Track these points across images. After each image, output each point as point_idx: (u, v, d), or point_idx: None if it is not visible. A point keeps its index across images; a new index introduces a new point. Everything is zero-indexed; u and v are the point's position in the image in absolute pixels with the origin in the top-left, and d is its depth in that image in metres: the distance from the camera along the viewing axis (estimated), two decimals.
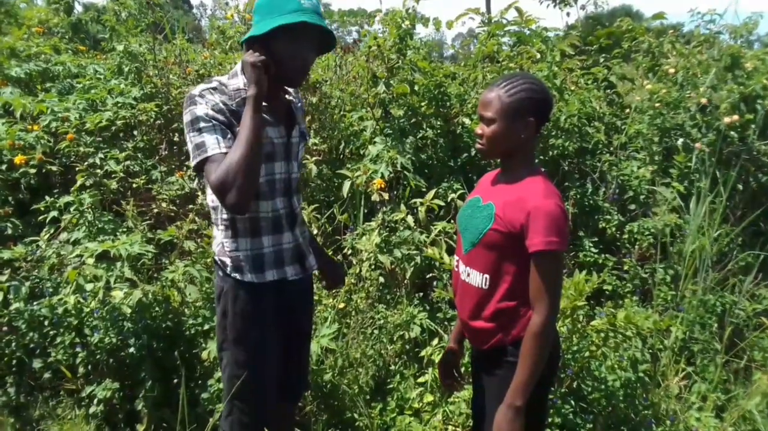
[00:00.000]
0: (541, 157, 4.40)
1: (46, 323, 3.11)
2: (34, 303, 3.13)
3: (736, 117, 4.50)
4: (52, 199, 3.58)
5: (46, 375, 3.15)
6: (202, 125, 1.81)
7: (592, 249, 4.09)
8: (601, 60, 5.47)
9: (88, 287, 3.05)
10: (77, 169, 3.79)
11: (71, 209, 3.47)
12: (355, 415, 3.07)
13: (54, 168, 3.97)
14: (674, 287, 3.93)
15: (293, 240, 2.10)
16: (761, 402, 3.24)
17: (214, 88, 1.89)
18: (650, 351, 3.42)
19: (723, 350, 3.54)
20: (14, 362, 3.16)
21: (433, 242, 3.56)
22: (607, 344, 3.09)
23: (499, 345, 1.86)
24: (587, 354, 3.03)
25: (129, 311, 2.97)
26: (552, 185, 1.82)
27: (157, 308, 3.14)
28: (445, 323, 3.44)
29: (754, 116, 4.65)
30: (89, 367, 3.07)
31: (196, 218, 3.74)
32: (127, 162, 4.10)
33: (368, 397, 3.18)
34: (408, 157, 3.90)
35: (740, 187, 4.54)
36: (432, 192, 3.69)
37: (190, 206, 3.93)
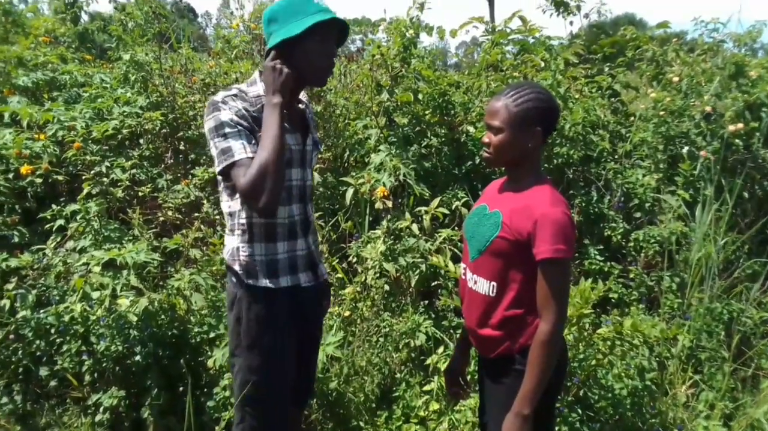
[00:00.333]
0: (546, 165, 4.40)
1: (52, 331, 3.12)
2: (41, 311, 3.14)
3: (740, 125, 4.50)
4: (59, 207, 3.59)
5: (53, 383, 3.15)
6: (227, 130, 1.84)
7: (598, 257, 4.08)
8: (606, 68, 5.47)
9: (95, 295, 3.06)
10: (83, 177, 3.81)
11: (77, 217, 3.49)
12: (361, 423, 3.06)
13: (60, 177, 3.99)
14: (681, 295, 3.92)
15: (306, 247, 2.11)
16: None
17: (235, 95, 1.91)
18: (657, 359, 3.40)
19: (730, 358, 3.52)
20: (21, 370, 3.17)
21: (438, 250, 3.56)
22: (613, 352, 3.08)
23: (506, 353, 1.86)
24: (594, 362, 3.02)
25: (135, 319, 2.97)
26: (558, 194, 1.83)
27: (162, 317, 3.14)
28: (451, 331, 3.43)
29: (758, 123, 4.64)
30: (95, 375, 3.08)
31: (202, 227, 3.75)
32: (133, 171, 4.12)
33: (374, 405, 3.18)
34: (411, 166, 3.90)
35: (746, 195, 4.53)
36: (437, 200, 3.69)
37: (196, 215, 3.94)
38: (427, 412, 3.08)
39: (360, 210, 4.00)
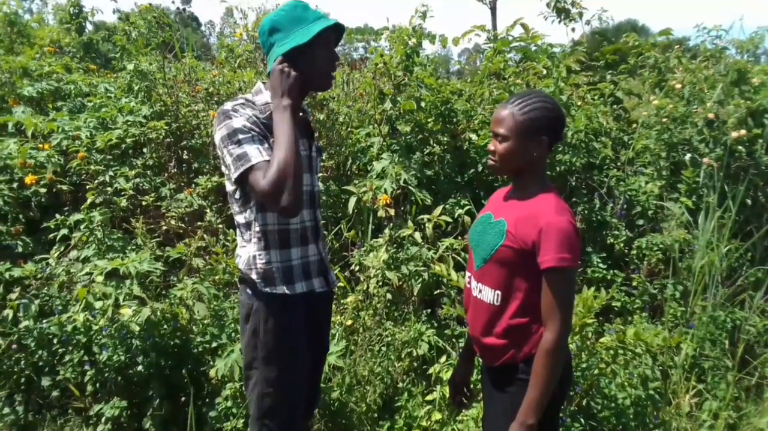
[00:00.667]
0: (549, 172, 4.39)
1: (54, 341, 3.13)
2: (44, 321, 3.15)
3: (743, 132, 4.50)
4: (63, 217, 3.61)
5: (55, 393, 3.15)
6: (240, 136, 1.85)
7: (601, 265, 4.07)
8: (608, 76, 5.48)
9: (97, 305, 3.07)
10: (87, 187, 3.82)
11: (81, 226, 3.50)
12: None
13: (64, 187, 4.01)
14: (684, 303, 3.91)
15: (318, 253, 2.13)
16: None
17: (243, 104, 1.94)
18: (660, 368, 3.39)
19: (734, 367, 3.50)
20: (23, 380, 3.17)
21: (440, 258, 3.56)
22: (616, 361, 3.07)
23: (511, 362, 1.86)
24: (597, 371, 3.01)
25: (137, 329, 2.98)
26: (564, 202, 1.83)
27: (165, 326, 3.15)
28: (453, 340, 3.42)
29: (761, 130, 4.64)
30: (97, 385, 3.08)
31: (205, 236, 3.76)
32: (137, 180, 4.14)
33: (376, 415, 3.17)
34: (413, 173, 3.91)
35: (749, 202, 4.51)
36: (439, 208, 3.69)
37: (199, 224, 3.95)
38: (429, 422, 3.07)
39: (362, 218, 4.01)
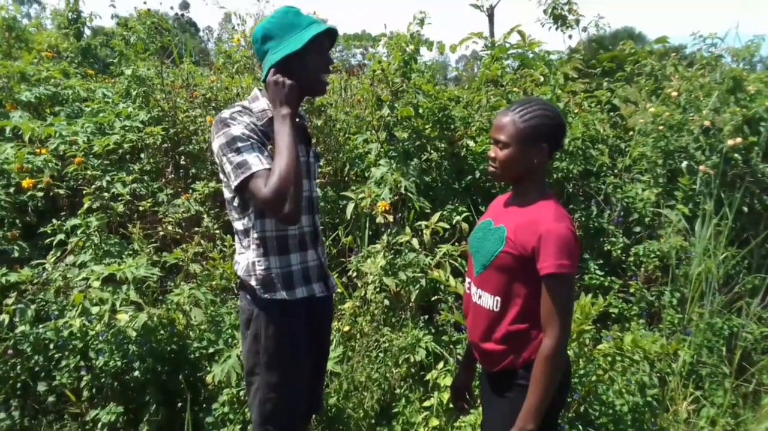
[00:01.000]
0: (546, 179, 4.41)
1: (51, 346, 3.11)
2: (40, 326, 3.13)
3: (739, 140, 4.51)
4: (59, 222, 3.59)
5: (51, 399, 3.14)
6: (239, 144, 1.85)
7: (598, 272, 4.08)
8: (605, 83, 5.50)
9: (94, 310, 3.05)
10: (84, 192, 3.82)
11: (78, 231, 3.49)
12: None
13: (61, 191, 4.00)
14: (681, 310, 3.91)
15: (317, 258, 2.14)
16: None
17: (241, 111, 1.94)
18: (658, 375, 3.39)
19: (731, 374, 3.50)
20: (19, 385, 3.15)
21: (438, 264, 3.56)
22: (614, 368, 3.07)
23: (510, 368, 1.86)
24: (594, 378, 3.01)
25: (134, 334, 2.97)
26: (563, 209, 1.84)
27: (162, 332, 3.14)
28: (451, 346, 3.42)
29: (757, 138, 4.66)
30: (94, 391, 3.06)
31: (202, 241, 3.75)
32: (134, 185, 4.13)
33: (373, 421, 3.16)
34: (412, 179, 3.91)
35: (745, 209, 4.53)
36: (437, 215, 3.70)
37: (196, 229, 3.95)
38: (426, 428, 3.06)
39: (360, 224, 4.01)
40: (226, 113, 1.92)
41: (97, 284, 3.03)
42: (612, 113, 5.27)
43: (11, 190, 3.89)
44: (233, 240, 2.15)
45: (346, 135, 4.70)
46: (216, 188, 4.13)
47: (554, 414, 1.94)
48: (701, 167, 4.46)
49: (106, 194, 3.98)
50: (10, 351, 3.11)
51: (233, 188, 1.88)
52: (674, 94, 5.00)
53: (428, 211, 3.88)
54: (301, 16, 1.96)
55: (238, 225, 2.02)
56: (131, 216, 4.12)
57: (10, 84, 4.86)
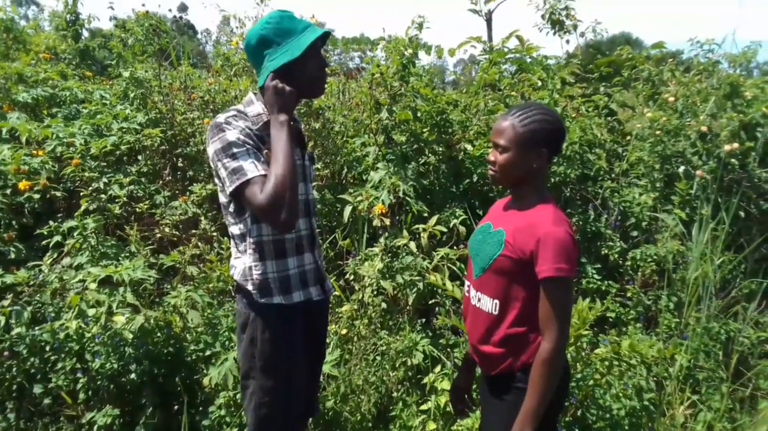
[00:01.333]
0: (545, 184, 4.41)
1: (47, 348, 3.09)
2: (36, 328, 3.12)
3: (736, 145, 4.53)
4: (56, 224, 3.59)
5: (47, 401, 3.12)
6: (235, 150, 1.84)
7: (595, 276, 4.08)
8: (602, 88, 5.52)
9: (90, 312, 3.04)
10: (81, 194, 3.81)
11: (75, 233, 3.48)
12: None
13: (58, 193, 3.99)
14: (678, 314, 3.92)
15: (314, 261, 2.13)
16: None
17: (236, 116, 1.93)
18: (655, 379, 3.39)
19: (728, 378, 3.50)
20: (15, 387, 3.13)
21: (435, 268, 3.56)
22: (611, 372, 3.07)
23: (508, 371, 1.86)
24: (591, 382, 3.01)
25: (131, 336, 2.96)
26: (562, 213, 1.84)
27: (158, 334, 3.13)
28: (448, 349, 3.41)
29: (754, 143, 4.68)
30: (90, 393, 3.05)
31: (199, 243, 3.75)
32: (131, 187, 4.12)
33: (370, 425, 3.15)
34: (410, 183, 3.91)
35: (742, 214, 4.54)
36: (434, 218, 3.69)
37: (193, 231, 3.94)
38: None
39: (358, 227, 4.00)
40: (221, 118, 1.91)
41: (93, 286, 3.02)
42: (609, 118, 5.30)
43: (8, 191, 3.87)
44: (230, 244, 2.14)
45: (344, 138, 4.70)
46: (213, 190, 4.13)
47: (552, 418, 1.94)
48: (698, 172, 4.47)
49: (103, 195, 3.97)
50: (5, 353, 3.09)
51: (228, 193, 1.87)
52: (671, 99, 5.02)
53: (426, 214, 3.88)
54: (295, 21, 1.95)
55: (235, 230, 2.01)
56: (128, 218, 4.11)
57: (8, 85, 4.85)
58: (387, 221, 3.70)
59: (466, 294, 2.02)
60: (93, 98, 4.95)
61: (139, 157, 4.52)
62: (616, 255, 4.26)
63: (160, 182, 4.49)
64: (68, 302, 3.12)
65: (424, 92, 4.33)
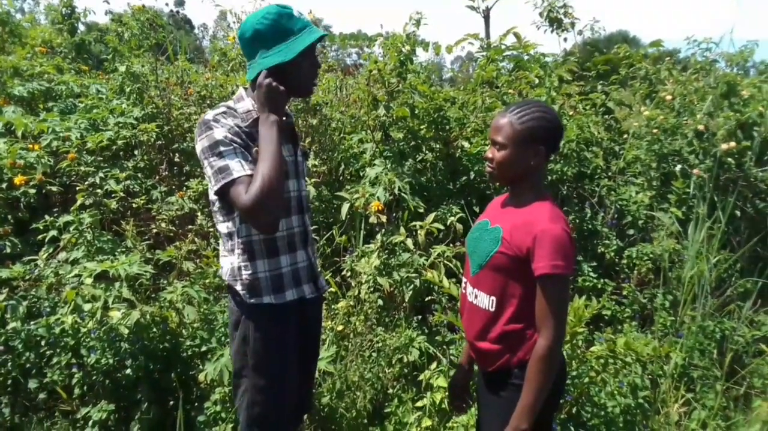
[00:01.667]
0: (542, 181, 4.41)
1: (42, 343, 3.09)
2: (31, 323, 3.11)
3: (732, 144, 4.54)
4: (52, 218, 3.57)
5: (42, 396, 3.12)
6: (222, 148, 1.82)
7: (591, 274, 4.09)
8: (599, 86, 5.52)
9: (86, 307, 3.03)
10: (77, 188, 3.79)
11: (71, 228, 3.47)
12: None
13: (54, 188, 3.98)
14: (673, 312, 3.93)
15: (307, 258, 2.11)
16: (761, 430, 3.21)
17: (225, 113, 1.90)
18: (650, 377, 3.40)
19: (723, 376, 3.52)
20: (9, 382, 3.13)
21: (432, 265, 3.56)
22: (606, 370, 3.08)
23: (505, 367, 1.87)
24: (587, 379, 3.01)
25: (126, 331, 2.95)
26: (559, 210, 1.84)
27: (154, 329, 3.12)
28: (444, 346, 3.42)
29: (750, 142, 4.68)
30: (85, 388, 3.04)
31: (196, 239, 3.74)
32: (128, 182, 4.11)
33: (366, 421, 3.16)
34: (407, 180, 3.91)
35: (738, 213, 4.56)
36: (431, 216, 3.69)
37: (190, 227, 3.93)
38: (419, 428, 3.06)
39: (354, 224, 4.00)
40: (209, 115, 1.89)
41: (89, 281, 3.01)
42: (606, 116, 5.30)
43: (3, 186, 3.86)
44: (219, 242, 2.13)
45: (341, 135, 4.70)
46: (214, 192, 4.11)
47: (548, 414, 1.94)
48: (695, 171, 4.48)
49: (99, 190, 3.96)
50: (1, 348, 3.09)
51: (213, 192, 1.86)
52: (668, 97, 5.03)
53: (422, 211, 3.88)
54: (293, 20, 1.90)
55: (222, 228, 1.99)
56: (124, 213, 4.10)
57: (3, 79, 4.83)
58: (384, 218, 3.70)
59: (463, 291, 2.02)
60: (89, 93, 4.93)
61: (136, 152, 4.51)
62: (613, 253, 4.27)
63: (157, 177, 4.48)
64: (64, 297, 3.10)
65: (421, 89, 4.32)
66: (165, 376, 3.08)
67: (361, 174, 4.24)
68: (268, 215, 1.78)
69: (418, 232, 3.65)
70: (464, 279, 2.03)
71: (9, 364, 3.09)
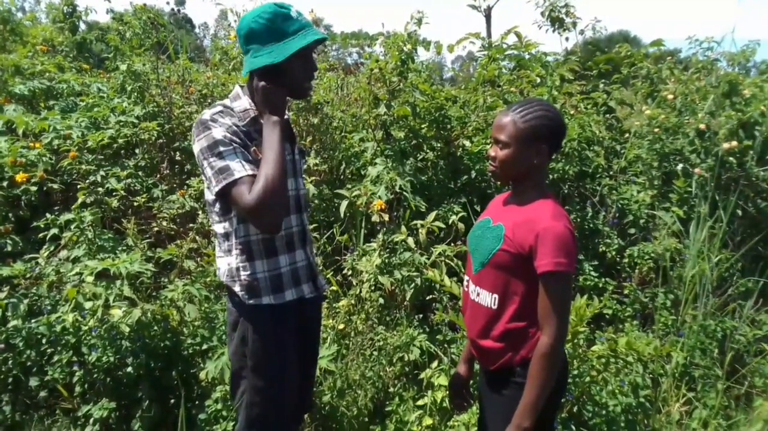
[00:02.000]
0: (545, 180, 4.41)
1: (43, 341, 3.09)
2: (32, 321, 3.11)
3: (734, 143, 4.54)
4: (53, 216, 3.58)
5: (43, 394, 3.12)
6: (221, 148, 1.80)
7: (593, 273, 4.09)
8: (601, 85, 5.52)
9: (87, 305, 3.03)
10: (78, 186, 3.80)
11: (72, 226, 3.47)
12: None
13: (55, 186, 3.98)
14: (675, 312, 3.92)
15: (306, 258, 2.10)
16: (762, 429, 3.21)
17: (222, 112, 1.88)
18: (651, 376, 3.40)
19: (724, 376, 3.51)
20: (10, 380, 3.13)
21: (433, 264, 3.55)
22: (608, 369, 3.08)
23: (507, 365, 1.86)
24: (588, 378, 3.01)
25: (127, 330, 2.95)
26: (561, 208, 1.84)
27: (155, 328, 3.12)
28: (445, 345, 3.41)
29: (752, 142, 4.68)
30: (86, 386, 3.05)
31: (197, 237, 3.74)
32: (129, 180, 4.11)
33: (367, 420, 3.15)
34: (408, 179, 3.91)
35: (739, 212, 4.55)
36: (433, 214, 3.69)
37: (191, 225, 3.93)
38: (420, 427, 3.06)
39: (356, 223, 4.00)
40: (206, 115, 1.87)
41: (90, 279, 3.01)
42: (608, 115, 5.30)
43: (5, 184, 3.86)
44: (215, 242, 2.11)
45: (343, 133, 4.69)
46: (213, 193, 4.11)
47: (551, 413, 1.94)
48: (696, 170, 4.48)
49: (100, 189, 3.96)
50: (1, 346, 3.09)
51: (214, 193, 1.84)
52: (670, 97, 5.02)
53: (424, 210, 3.88)
54: (290, 21, 1.86)
55: (218, 228, 1.98)
56: (125, 211, 4.10)
57: (5, 77, 4.83)
58: (385, 217, 3.69)
59: (465, 289, 2.02)
60: (90, 91, 4.94)
61: (137, 150, 4.51)
62: (614, 252, 4.27)
63: (158, 175, 4.48)
64: (65, 295, 3.11)
65: (422, 88, 4.32)
66: (166, 374, 3.08)
67: (362, 173, 4.23)
68: (272, 216, 1.77)
69: (420, 231, 3.65)
70: (466, 277, 2.03)
71: (10, 362, 3.10)
